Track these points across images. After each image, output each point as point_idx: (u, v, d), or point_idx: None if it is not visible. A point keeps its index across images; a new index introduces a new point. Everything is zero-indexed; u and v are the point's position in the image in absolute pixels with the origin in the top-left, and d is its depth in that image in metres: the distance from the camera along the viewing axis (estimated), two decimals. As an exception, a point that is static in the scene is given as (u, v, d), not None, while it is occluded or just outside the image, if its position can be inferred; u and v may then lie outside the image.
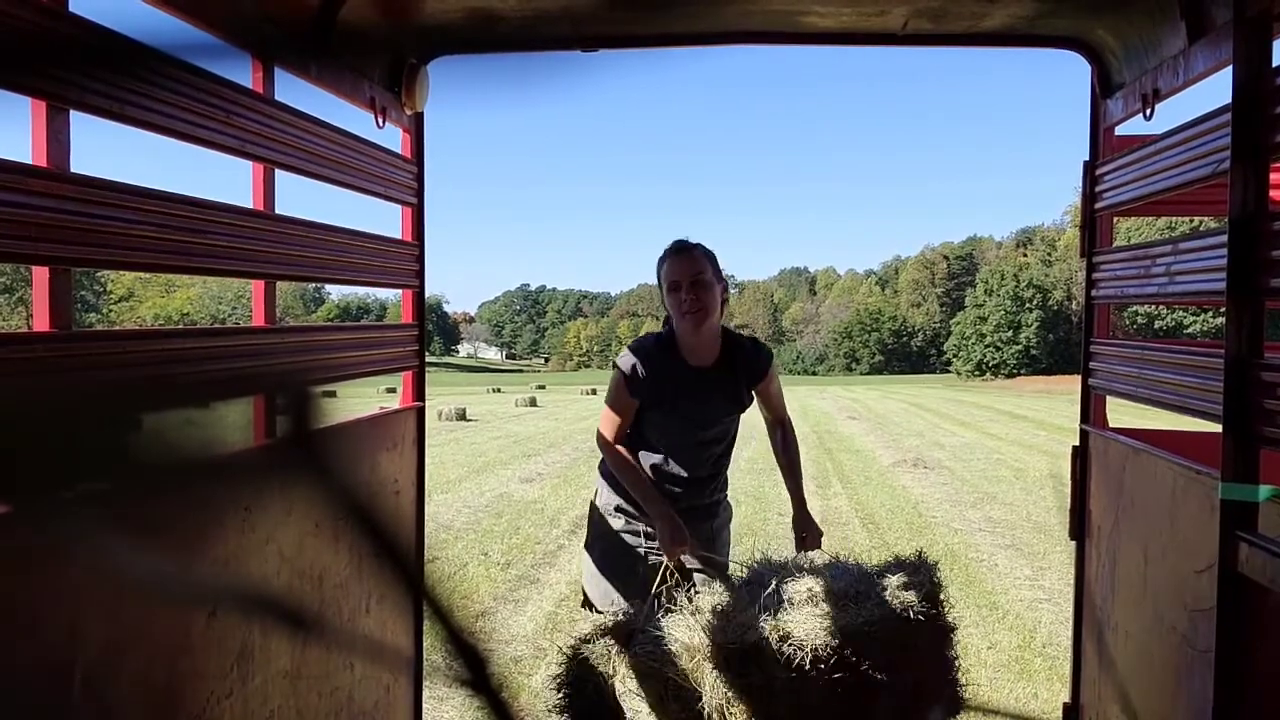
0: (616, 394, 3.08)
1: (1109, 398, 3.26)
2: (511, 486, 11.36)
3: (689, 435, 3.10)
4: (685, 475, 3.12)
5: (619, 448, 3.09)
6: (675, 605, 2.60)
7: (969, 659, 5.26)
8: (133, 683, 1.88)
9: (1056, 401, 32.05)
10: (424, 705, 3.58)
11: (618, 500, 3.16)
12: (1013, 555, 7.95)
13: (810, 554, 2.95)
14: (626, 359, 3.08)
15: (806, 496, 3.19)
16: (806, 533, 3.11)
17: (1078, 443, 3.37)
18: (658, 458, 3.11)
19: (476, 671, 0.35)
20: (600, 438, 3.14)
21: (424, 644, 3.54)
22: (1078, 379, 3.43)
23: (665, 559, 2.87)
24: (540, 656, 5.15)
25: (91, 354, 1.87)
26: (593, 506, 3.27)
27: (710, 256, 3.06)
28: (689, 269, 2.99)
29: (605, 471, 3.23)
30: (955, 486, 11.78)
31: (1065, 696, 3.59)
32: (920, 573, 2.68)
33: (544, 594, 6.55)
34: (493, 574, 7.07)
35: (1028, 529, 9.10)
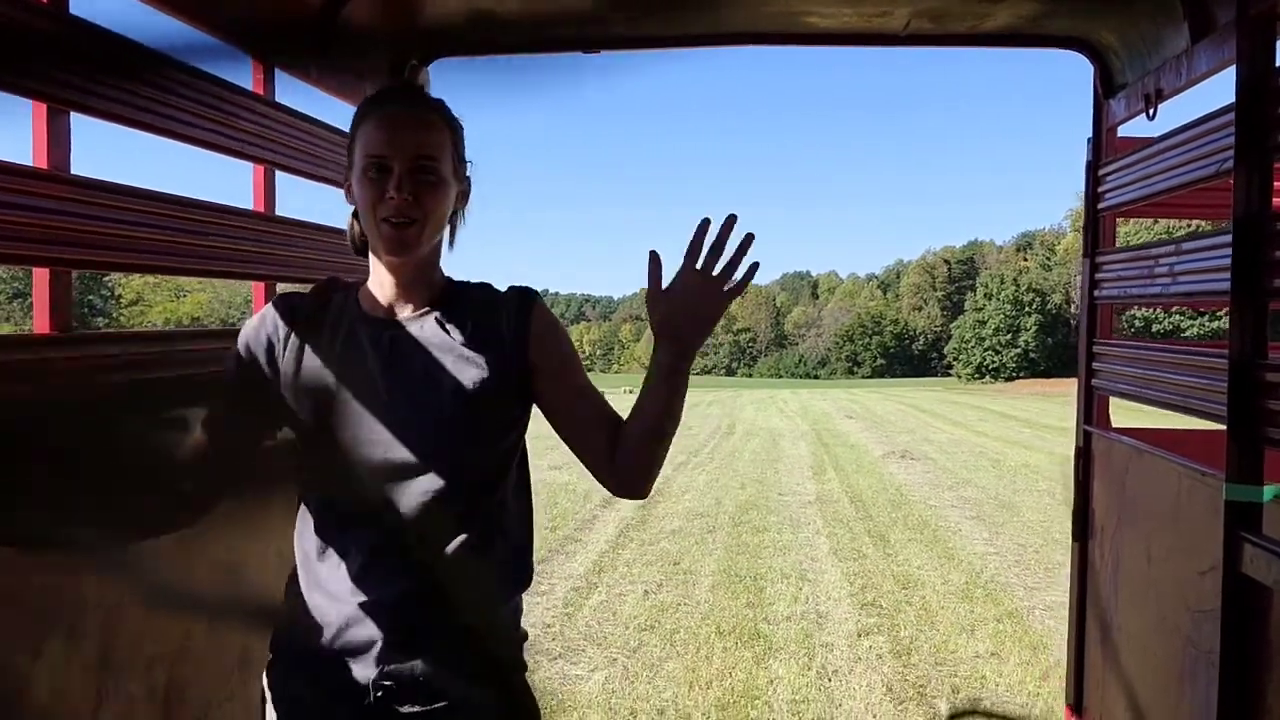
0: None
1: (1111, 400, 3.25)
2: (543, 473, 12.01)
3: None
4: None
5: None
6: None
7: (925, 590, 6.65)
8: (133, 685, 1.87)
9: (1050, 403, 32.42)
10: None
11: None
12: (975, 524, 9.29)
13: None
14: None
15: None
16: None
17: (1080, 444, 3.36)
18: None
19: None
20: None
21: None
22: (1073, 382, 3.41)
23: None
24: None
25: (92, 357, 1.86)
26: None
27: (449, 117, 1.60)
28: (411, 139, 1.52)
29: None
30: (936, 474, 13.05)
31: (1069, 698, 3.58)
32: None
33: (584, 552, 7.96)
34: (542, 535, 8.06)
35: (993, 505, 10.40)
